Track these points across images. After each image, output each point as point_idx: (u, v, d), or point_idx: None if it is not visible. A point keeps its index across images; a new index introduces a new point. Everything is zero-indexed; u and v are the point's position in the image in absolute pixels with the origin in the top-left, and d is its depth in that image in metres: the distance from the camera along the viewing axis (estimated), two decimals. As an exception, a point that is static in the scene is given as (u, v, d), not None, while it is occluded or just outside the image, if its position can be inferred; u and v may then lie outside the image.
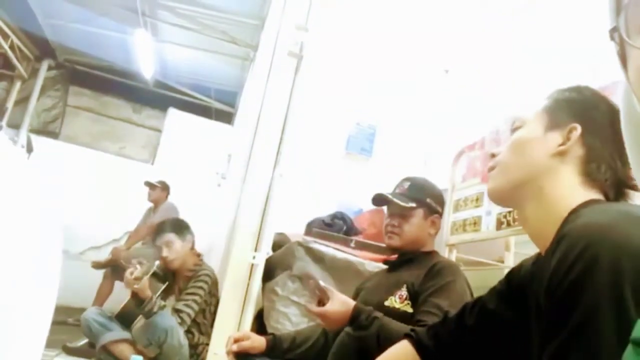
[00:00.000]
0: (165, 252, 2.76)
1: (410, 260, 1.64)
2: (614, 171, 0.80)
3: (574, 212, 0.73)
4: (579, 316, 0.56)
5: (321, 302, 1.48)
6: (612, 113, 0.82)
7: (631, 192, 0.82)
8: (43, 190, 0.41)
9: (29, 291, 0.37)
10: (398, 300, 1.49)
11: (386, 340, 1.29)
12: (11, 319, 0.35)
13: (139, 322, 2.62)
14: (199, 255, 2.88)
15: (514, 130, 0.92)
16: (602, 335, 0.54)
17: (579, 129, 0.82)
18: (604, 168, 0.80)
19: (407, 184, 1.71)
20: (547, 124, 0.86)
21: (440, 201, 1.73)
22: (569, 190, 0.79)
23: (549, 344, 0.59)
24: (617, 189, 0.81)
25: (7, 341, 0.35)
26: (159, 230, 2.87)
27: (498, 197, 0.91)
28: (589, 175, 0.80)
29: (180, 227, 2.86)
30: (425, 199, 1.67)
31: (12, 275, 0.36)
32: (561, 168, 0.81)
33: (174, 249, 2.76)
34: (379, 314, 1.41)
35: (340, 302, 1.43)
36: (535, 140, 0.86)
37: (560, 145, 0.82)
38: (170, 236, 2.79)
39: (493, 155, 0.93)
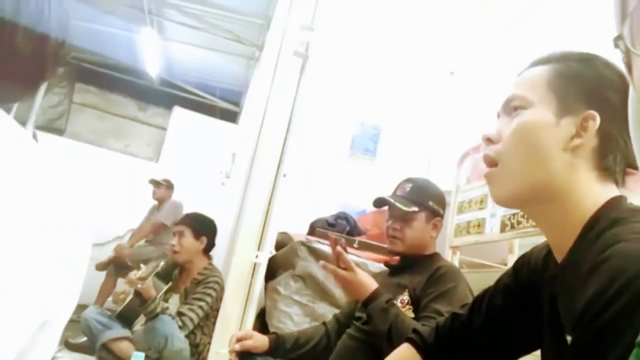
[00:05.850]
0: (174, 241, 2.71)
1: (412, 265, 1.64)
2: (626, 157, 0.72)
3: (605, 218, 0.68)
4: (621, 351, 0.52)
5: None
6: (625, 87, 0.71)
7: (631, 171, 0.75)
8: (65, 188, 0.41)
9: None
10: (400, 305, 1.49)
11: (397, 331, 1.30)
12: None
13: (140, 322, 2.61)
14: (209, 258, 2.79)
15: (512, 110, 0.78)
16: None
17: (597, 119, 0.71)
18: (619, 158, 0.72)
19: (408, 186, 1.68)
20: (557, 109, 0.74)
21: (442, 203, 1.71)
22: (588, 188, 0.72)
23: None
24: (623, 172, 0.75)
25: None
26: (181, 219, 2.83)
27: (505, 202, 0.80)
28: (606, 169, 0.72)
29: (198, 224, 2.75)
30: (427, 202, 1.65)
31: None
32: (576, 164, 0.72)
33: (183, 243, 2.68)
34: (395, 302, 1.42)
35: (366, 278, 1.45)
36: (546, 129, 0.73)
37: (575, 136, 0.72)
38: (184, 229, 2.71)
39: (489, 141, 0.79)
